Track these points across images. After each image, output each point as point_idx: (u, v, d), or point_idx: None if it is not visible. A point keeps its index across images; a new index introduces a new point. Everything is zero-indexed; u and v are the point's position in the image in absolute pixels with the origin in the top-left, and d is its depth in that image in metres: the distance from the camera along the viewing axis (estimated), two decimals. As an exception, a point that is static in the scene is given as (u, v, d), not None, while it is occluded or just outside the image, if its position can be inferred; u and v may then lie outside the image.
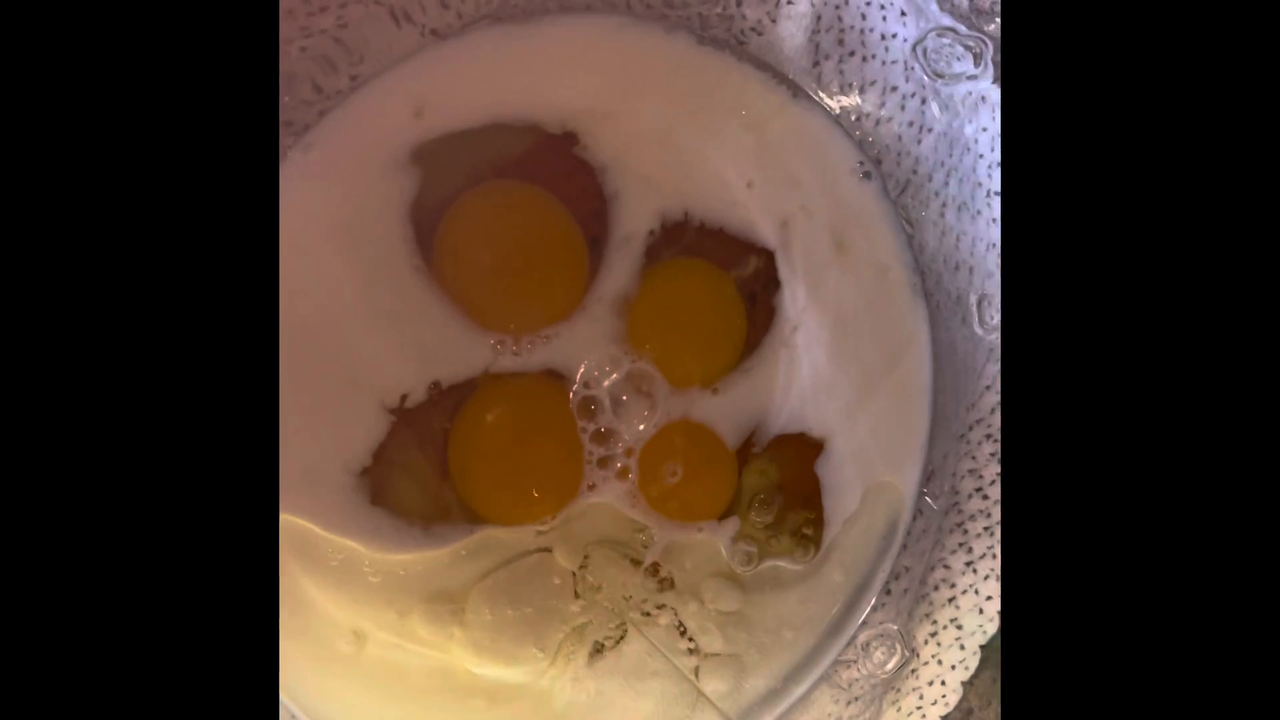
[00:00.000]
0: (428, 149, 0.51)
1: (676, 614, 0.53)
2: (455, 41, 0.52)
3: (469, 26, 0.52)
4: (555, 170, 0.52)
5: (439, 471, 0.52)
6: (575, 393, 0.52)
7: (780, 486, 0.55)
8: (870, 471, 0.55)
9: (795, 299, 0.54)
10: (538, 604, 0.52)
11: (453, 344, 0.52)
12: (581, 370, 0.52)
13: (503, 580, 0.52)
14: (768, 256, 0.54)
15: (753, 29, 0.53)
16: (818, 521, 0.55)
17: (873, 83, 0.53)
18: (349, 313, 0.51)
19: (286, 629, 0.51)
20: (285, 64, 0.48)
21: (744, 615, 0.54)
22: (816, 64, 0.53)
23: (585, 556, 0.53)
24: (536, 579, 0.52)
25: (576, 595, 0.53)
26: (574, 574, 0.53)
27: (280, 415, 0.49)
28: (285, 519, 0.51)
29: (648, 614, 0.53)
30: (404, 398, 0.51)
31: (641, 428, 0.53)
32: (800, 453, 0.55)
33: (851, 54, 0.53)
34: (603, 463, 0.53)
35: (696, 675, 0.54)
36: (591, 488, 0.53)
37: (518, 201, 0.52)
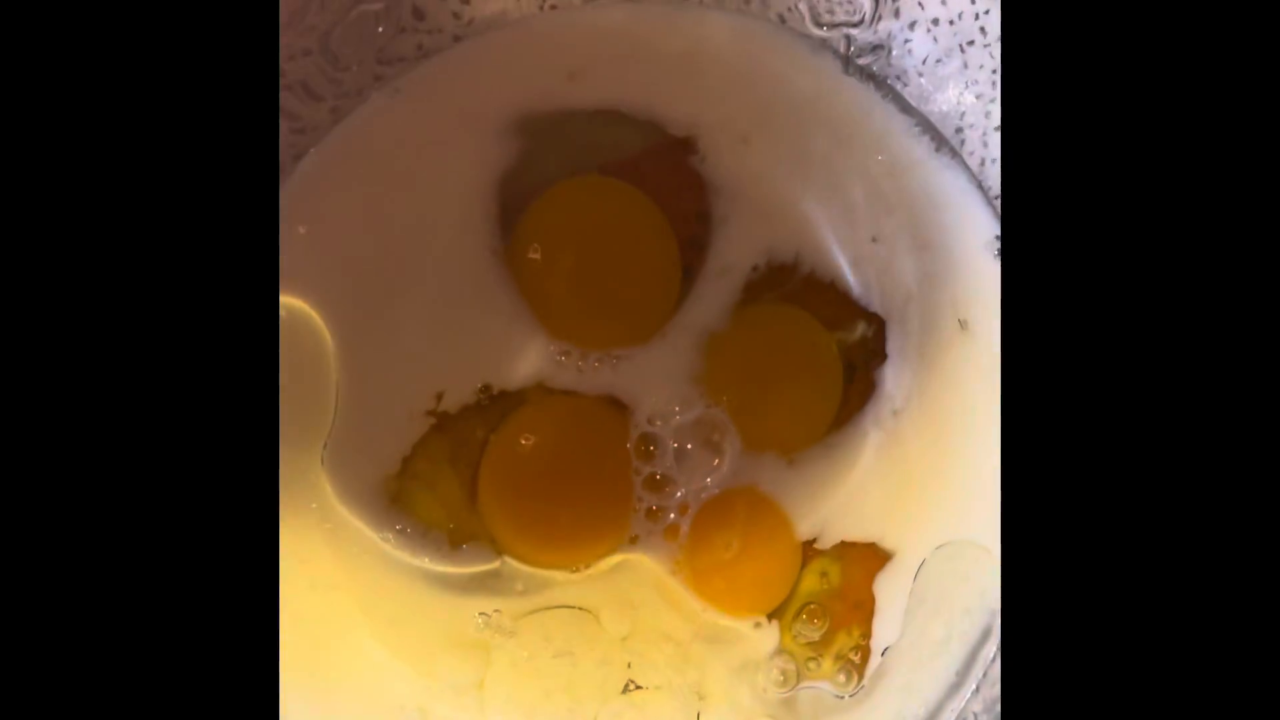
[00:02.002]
0: (535, 122, 0.47)
1: None
2: (587, 6, 0.47)
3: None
4: (664, 183, 0.47)
5: (469, 492, 0.46)
6: (634, 427, 0.46)
7: (839, 595, 0.48)
8: (943, 599, 0.48)
9: (901, 378, 0.48)
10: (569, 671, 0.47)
11: (513, 345, 0.46)
12: (647, 404, 0.46)
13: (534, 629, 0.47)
14: (879, 324, 0.48)
15: (898, 77, 0.48)
16: (867, 648, 0.48)
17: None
18: (409, 282, 0.46)
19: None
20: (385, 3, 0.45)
21: None
22: (959, 130, 0.48)
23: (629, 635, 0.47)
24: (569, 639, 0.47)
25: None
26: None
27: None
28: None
29: None
30: (440, 396, 0.46)
31: (709, 480, 0.47)
32: (864, 561, 0.48)
33: (997, 128, 0.47)
34: (652, 514, 0.46)
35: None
36: (634, 540, 0.46)
37: (619, 203, 0.47)
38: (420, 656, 0.46)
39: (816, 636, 0.48)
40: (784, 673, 0.47)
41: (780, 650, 0.47)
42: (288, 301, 0.45)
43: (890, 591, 0.48)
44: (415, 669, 0.46)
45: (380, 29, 0.45)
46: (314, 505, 0.45)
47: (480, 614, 0.46)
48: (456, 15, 0.46)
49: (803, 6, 0.47)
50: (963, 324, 0.48)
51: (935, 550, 0.48)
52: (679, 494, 0.46)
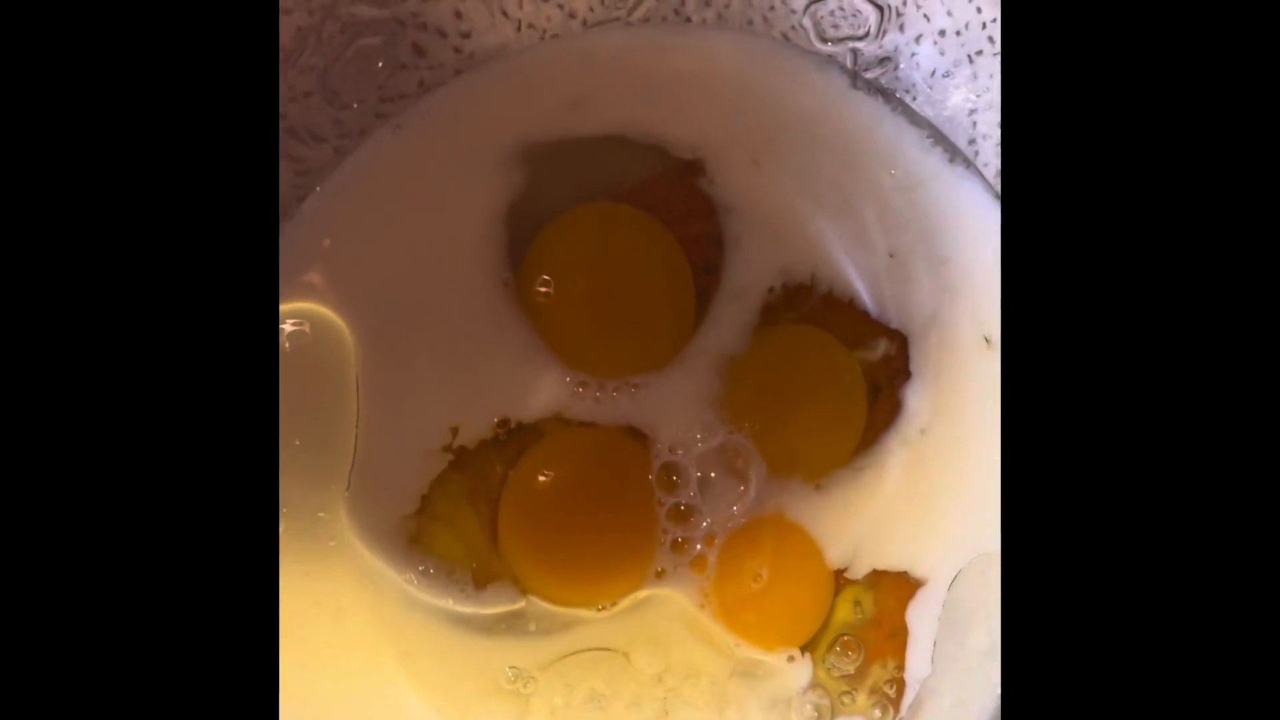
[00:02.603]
0: (540, 152, 0.46)
1: None
2: (587, 33, 0.46)
3: (604, 24, 0.47)
4: (673, 206, 0.46)
5: (489, 531, 0.45)
6: (656, 457, 0.45)
7: (874, 625, 0.46)
8: (979, 609, 0.46)
9: (927, 396, 0.47)
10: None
11: (528, 376, 0.45)
12: (668, 432, 0.45)
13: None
14: (901, 342, 0.47)
15: (906, 90, 0.47)
16: (902, 680, 0.47)
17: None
18: (419, 318, 0.45)
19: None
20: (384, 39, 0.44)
21: None
22: (972, 141, 0.47)
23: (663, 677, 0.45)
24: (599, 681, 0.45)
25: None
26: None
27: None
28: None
29: None
30: (455, 431, 0.45)
31: (735, 508, 0.45)
32: (897, 589, 0.47)
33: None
34: (677, 547, 0.45)
35: None
36: (660, 574, 0.45)
37: (629, 228, 0.46)
38: (453, 703, 0.45)
39: (851, 669, 0.46)
40: (818, 708, 0.46)
41: (814, 684, 0.46)
42: (304, 334, 0.45)
43: (923, 621, 0.46)
44: (448, 715, 0.45)
45: (380, 64, 0.44)
46: (332, 543, 0.45)
47: (511, 667, 0.45)
48: (458, 50, 0.46)
49: (807, 23, 0.46)
50: (988, 341, 0.47)
51: (969, 562, 0.46)
52: (705, 524, 0.45)
